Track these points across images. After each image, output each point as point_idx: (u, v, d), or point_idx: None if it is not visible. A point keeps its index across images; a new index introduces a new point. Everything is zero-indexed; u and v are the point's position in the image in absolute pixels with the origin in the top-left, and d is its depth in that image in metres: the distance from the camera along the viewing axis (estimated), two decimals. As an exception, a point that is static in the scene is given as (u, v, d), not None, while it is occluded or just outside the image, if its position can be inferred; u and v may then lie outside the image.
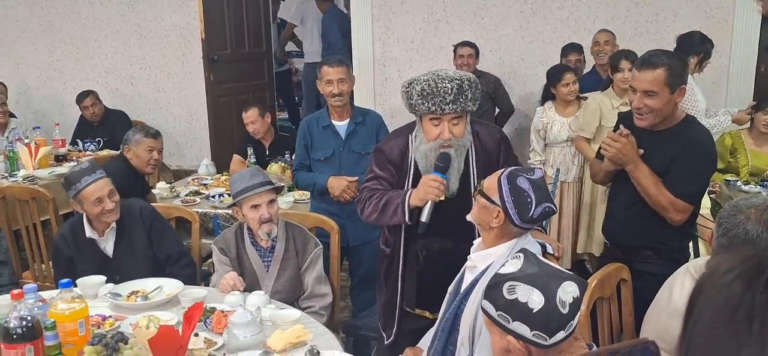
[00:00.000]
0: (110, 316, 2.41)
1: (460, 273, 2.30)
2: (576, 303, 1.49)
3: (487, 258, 2.13)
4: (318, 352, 2.08)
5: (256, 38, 6.63)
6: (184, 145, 6.57)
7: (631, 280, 2.44)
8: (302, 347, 2.18)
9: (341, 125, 3.62)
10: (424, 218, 2.45)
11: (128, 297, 2.59)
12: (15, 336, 1.75)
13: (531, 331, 1.48)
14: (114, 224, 2.92)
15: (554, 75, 4.51)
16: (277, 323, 2.35)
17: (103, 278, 2.70)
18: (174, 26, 6.37)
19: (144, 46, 6.51)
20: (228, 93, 6.41)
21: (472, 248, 2.23)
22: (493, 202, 2.09)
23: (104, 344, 1.73)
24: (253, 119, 4.67)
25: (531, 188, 2.06)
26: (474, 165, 2.57)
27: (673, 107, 2.56)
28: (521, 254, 1.55)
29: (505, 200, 2.06)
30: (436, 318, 2.44)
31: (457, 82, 2.41)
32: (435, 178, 2.43)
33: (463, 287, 2.21)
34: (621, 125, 2.67)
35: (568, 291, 1.48)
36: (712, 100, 4.89)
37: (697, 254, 3.46)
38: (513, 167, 2.14)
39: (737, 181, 4.09)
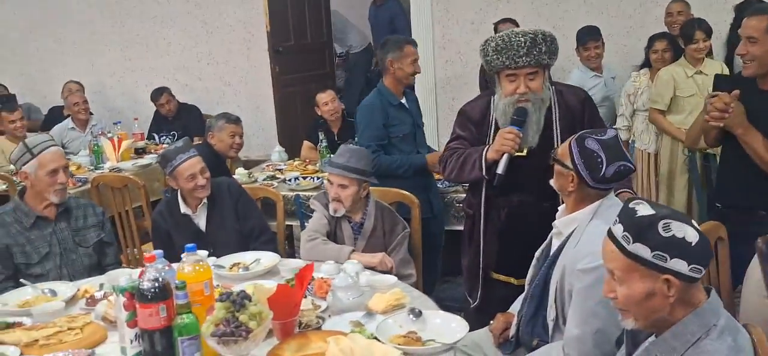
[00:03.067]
0: (218, 285, 2.56)
1: (547, 240, 2.37)
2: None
3: (571, 223, 2.18)
4: (420, 311, 2.18)
5: (317, 28, 6.78)
6: (251, 136, 6.76)
7: (738, 240, 2.42)
8: (401, 309, 2.29)
9: (404, 102, 3.75)
10: (500, 169, 2.54)
11: (231, 268, 2.75)
12: (149, 297, 1.91)
13: (689, 266, 1.49)
14: (205, 201, 3.09)
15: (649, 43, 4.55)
16: (375, 287, 2.46)
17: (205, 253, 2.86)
18: (238, 21, 6.57)
19: (210, 41, 6.74)
20: (293, 83, 6.59)
21: (557, 215, 2.30)
22: (566, 167, 2.14)
23: (232, 300, 1.86)
24: (330, 99, 4.80)
25: (600, 147, 2.09)
26: (557, 123, 2.63)
27: None
28: (642, 200, 1.59)
29: (576, 162, 2.10)
30: (522, 285, 2.52)
31: (530, 36, 2.50)
32: (510, 130, 2.52)
33: (551, 253, 2.28)
34: (722, 94, 2.60)
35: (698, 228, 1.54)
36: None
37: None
38: (584, 131, 2.18)
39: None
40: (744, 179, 2.64)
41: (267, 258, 2.82)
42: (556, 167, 2.19)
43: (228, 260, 2.82)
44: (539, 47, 2.50)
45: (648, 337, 1.70)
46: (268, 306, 1.95)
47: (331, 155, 3.19)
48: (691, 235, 1.50)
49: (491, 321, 2.51)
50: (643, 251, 1.52)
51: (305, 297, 2.24)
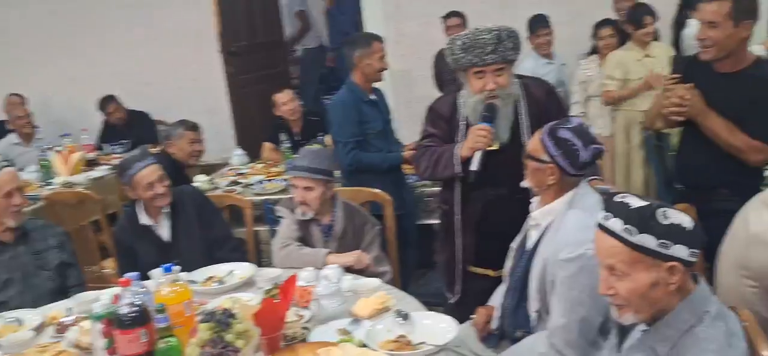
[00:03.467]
0: (194, 302, 2.47)
1: (522, 231, 2.38)
2: None
3: (548, 214, 2.20)
4: (407, 314, 2.15)
5: (268, 27, 6.66)
6: (207, 140, 6.56)
7: (702, 220, 2.48)
8: (387, 312, 2.25)
9: (374, 98, 3.74)
10: (474, 166, 2.57)
11: (204, 282, 2.66)
12: (128, 322, 1.82)
13: (689, 250, 1.52)
14: (168, 210, 3.00)
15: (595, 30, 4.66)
16: (358, 291, 2.42)
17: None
18: (186, 23, 6.39)
19: (158, 45, 6.53)
20: (248, 84, 6.46)
21: (531, 207, 2.31)
22: (543, 161, 2.15)
23: (216, 320, 1.79)
24: (288, 99, 4.73)
25: (573, 135, 2.13)
26: (526, 116, 2.66)
27: (739, 43, 2.55)
28: (625, 192, 1.61)
29: (554, 154, 2.13)
30: (500, 276, 2.53)
31: (495, 33, 2.52)
32: (482, 127, 2.55)
33: (529, 244, 2.29)
34: (679, 86, 2.66)
35: None
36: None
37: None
38: (551, 123, 2.21)
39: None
40: (704, 159, 2.69)
41: (242, 269, 2.75)
42: (532, 164, 2.20)
43: (200, 273, 2.73)
44: (505, 44, 2.53)
45: (635, 325, 1.71)
46: (253, 323, 1.89)
47: (295, 156, 3.12)
48: (686, 221, 1.53)
49: (472, 316, 2.51)
50: (648, 241, 1.53)
51: (288, 308, 2.17)
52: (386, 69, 3.70)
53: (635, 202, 1.56)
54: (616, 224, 1.56)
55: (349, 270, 2.68)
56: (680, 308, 1.56)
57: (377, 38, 3.74)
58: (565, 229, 2.11)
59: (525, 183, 2.28)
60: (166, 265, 2.01)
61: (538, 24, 4.95)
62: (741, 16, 2.49)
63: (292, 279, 2.05)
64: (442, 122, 2.77)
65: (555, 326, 2.09)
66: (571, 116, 2.25)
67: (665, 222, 1.52)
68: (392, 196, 3.57)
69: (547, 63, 4.98)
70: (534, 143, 2.21)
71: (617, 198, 1.59)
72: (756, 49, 4.37)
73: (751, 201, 2.16)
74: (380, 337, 2.05)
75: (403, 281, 3.76)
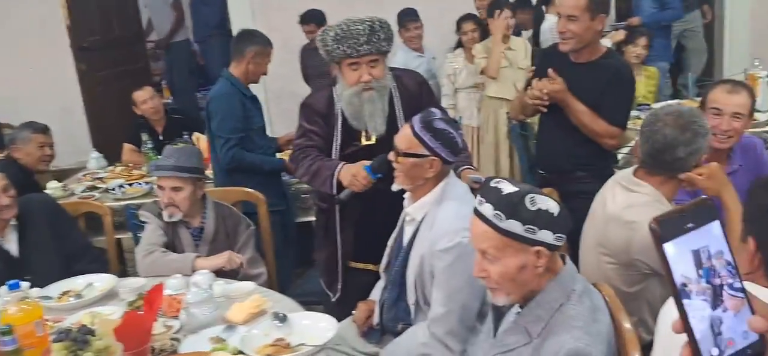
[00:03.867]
0: (47, 320, 2.25)
1: (398, 227, 2.38)
2: None
3: (422, 208, 2.21)
4: (285, 316, 2.08)
5: (125, 20, 6.25)
6: (60, 144, 6.04)
7: (563, 202, 2.62)
8: (263, 316, 2.17)
9: (253, 94, 3.66)
10: (343, 196, 2.52)
11: (60, 297, 2.43)
12: (-34, 350, 1.61)
13: (554, 235, 1.57)
14: (15, 222, 2.72)
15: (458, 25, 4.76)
16: (231, 297, 2.31)
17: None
18: (32, 17, 5.85)
19: (2, 42, 5.94)
20: (104, 82, 6.03)
21: (405, 203, 2.31)
22: (422, 156, 2.15)
23: (72, 338, 1.63)
24: (148, 97, 4.46)
25: (446, 123, 2.17)
26: (400, 108, 2.66)
27: (594, 35, 2.74)
28: (500, 178, 1.64)
29: (433, 146, 2.13)
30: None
31: (368, 24, 2.49)
32: (366, 176, 2.47)
33: (405, 240, 2.29)
34: (549, 69, 2.79)
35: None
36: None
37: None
38: (420, 118, 2.20)
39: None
40: (562, 146, 2.86)
41: (102, 281, 2.53)
42: (409, 161, 2.17)
43: (55, 288, 2.49)
44: (378, 34, 2.50)
45: (510, 308, 1.76)
46: (114, 339, 1.73)
47: (159, 157, 2.93)
48: (553, 206, 1.58)
49: (353, 312, 2.48)
50: (515, 226, 1.56)
51: (155, 320, 2.03)
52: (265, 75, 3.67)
53: (507, 188, 1.59)
54: (487, 209, 1.59)
55: (221, 273, 2.56)
56: (550, 287, 1.62)
57: (269, 44, 3.68)
58: (440, 220, 2.12)
59: (396, 185, 2.25)
60: (11, 282, 1.79)
61: (408, 17, 5.01)
62: (597, 10, 2.68)
63: (157, 288, 1.91)
64: (319, 118, 2.70)
65: (435, 315, 2.11)
66: (431, 109, 2.25)
67: (532, 208, 1.56)
68: (270, 192, 3.49)
69: (418, 56, 5.06)
70: (407, 140, 2.18)
71: (492, 184, 1.61)
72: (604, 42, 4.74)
73: (607, 183, 2.30)
74: (256, 342, 1.96)
75: (284, 281, 3.69)
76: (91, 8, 5.91)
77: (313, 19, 5.15)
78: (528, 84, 3.02)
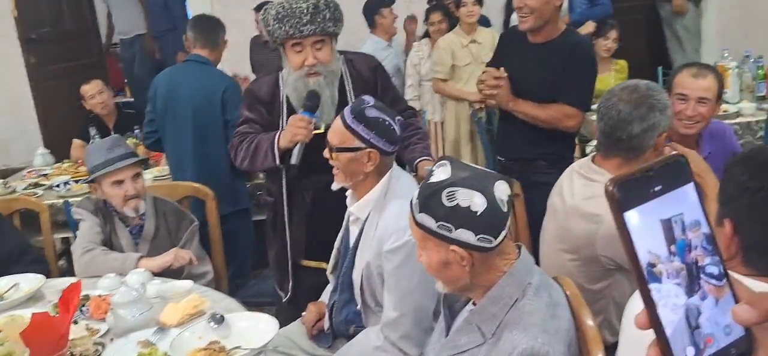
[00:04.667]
0: (-41, 324, 2.04)
1: (343, 228, 2.23)
2: (510, 201, 1.44)
3: (366, 206, 2.06)
4: (222, 317, 1.89)
5: (78, 13, 5.99)
6: (9, 141, 5.85)
7: (525, 192, 2.49)
8: (200, 317, 1.99)
9: None
10: (294, 160, 2.34)
11: (-22, 300, 2.22)
12: None
13: (476, 235, 1.39)
14: None
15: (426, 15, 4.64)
16: (166, 297, 2.12)
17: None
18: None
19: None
20: (54, 76, 5.77)
21: (347, 202, 2.15)
22: (358, 149, 1.98)
23: (-32, 346, 1.44)
24: (97, 90, 4.26)
25: (380, 111, 2.00)
26: (351, 94, 2.49)
27: (553, 12, 2.64)
28: (446, 161, 1.47)
29: (368, 137, 1.97)
30: (331, 269, 2.35)
31: (312, 2, 2.31)
32: (302, 118, 2.32)
33: (352, 240, 2.14)
34: (500, 68, 2.73)
35: (502, 189, 1.42)
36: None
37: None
38: (350, 108, 2.04)
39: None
40: (521, 134, 2.76)
41: (28, 282, 2.33)
42: (344, 156, 2.00)
43: (-26, 290, 2.28)
44: (323, 13, 2.32)
45: (465, 305, 1.62)
46: (22, 343, 1.54)
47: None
48: (477, 203, 1.39)
49: (303, 313, 2.32)
50: (428, 221, 1.43)
51: (76, 322, 1.84)
52: None
53: (437, 175, 1.44)
54: (414, 197, 1.47)
55: (165, 272, 2.38)
56: (504, 282, 1.46)
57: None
58: (385, 219, 1.97)
59: (336, 184, 2.09)
60: None
61: (383, 4, 4.87)
62: None
63: (74, 287, 1.71)
64: (261, 106, 2.52)
65: (388, 320, 1.96)
66: (362, 96, 2.08)
67: (448, 204, 1.40)
68: (238, 189, 3.39)
69: (387, 47, 4.91)
70: (339, 134, 2.00)
71: (433, 168, 1.46)
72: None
73: (565, 172, 2.16)
74: (188, 345, 1.78)
75: (237, 282, 3.51)
76: (40, -1, 5.66)
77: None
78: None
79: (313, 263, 2.60)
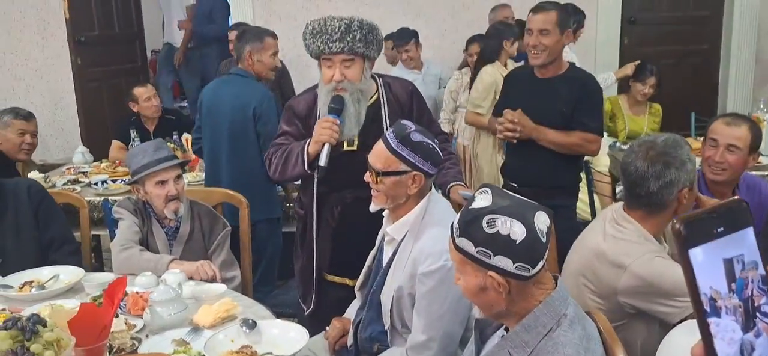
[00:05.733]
0: (3, 309, 2.13)
1: (377, 246, 2.27)
2: (549, 232, 1.47)
3: (402, 227, 2.10)
4: (254, 322, 1.96)
5: (126, 19, 6.17)
6: (49, 136, 6.01)
7: None
8: (232, 321, 2.05)
9: None
10: (321, 161, 2.43)
11: (21, 288, 2.31)
12: None
13: (514, 263, 1.42)
14: None
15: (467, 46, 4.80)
16: (201, 299, 2.19)
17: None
18: (31, 7, 5.79)
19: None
20: (98, 78, 5.94)
21: (384, 222, 2.20)
22: (402, 172, 2.04)
23: (20, 327, 1.51)
24: (151, 95, 4.41)
25: (423, 135, 2.06)
26: (387, 117, 2.56)
27: (561, 50, 2.91)
28: (488, 189, 1.52)
29: (414, 161, 2.02)
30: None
31: (345, 21, 2.42)
32: (327, 119, 2.42)
33: (384, 260, 2.18)
34: (507, 111, 2.93)
35: (542, 220, 1.45)
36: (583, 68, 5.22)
37: (593, 207, 3.68)
38: (393, 132, 2.09)
39: (617, 142, 4.39)
40: (533, 160, 2.96)
41: (68, 273, 2.42)
42: (387, 180, 2.05)
43: (17, 278, 2.37)
44: (354, 34, 2.40)
45: (496, 330, 1.65)
46: (68, 331, 1.62)
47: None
48: (517, 232, 1.43)
49: (327, 328, 2.37)
50: (467, 245, 1.46)
51: (117, 316, 1.91)
52: (278, 67, 3.62)
53: (479, 202, 1.48)
54: (454, 221, 1.51)
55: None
56: (539, 311, 1.49)
57: (270, 34, 3.64)
58: (422, 243, 2.01)
59: (374, 206, 2.13)
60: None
61: (400, 41, 5.12)
62: (564, 25, 2.87)
63: (120, 282, 1.79)
64: (297, 120, 2.62)
65: (416, 342, 2.00)
66: (402, 121, 2.15)
67: (489, 231, 1.43)
68: (271, 198, 3.49)
69: (412, 71, 5.08)
70: (384, 158, 2.05)
71: (476, 193, 1.50)
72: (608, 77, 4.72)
73: (605, 212, 2.19)
74: (222, 347, 1.85)
75: (262, 290, 3.59)
76: (91, 4, 5.84)
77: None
78: (498, 109, 3.13)
79: (337, 279, 2.66)
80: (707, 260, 0.62)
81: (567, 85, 2.90)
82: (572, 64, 3.03)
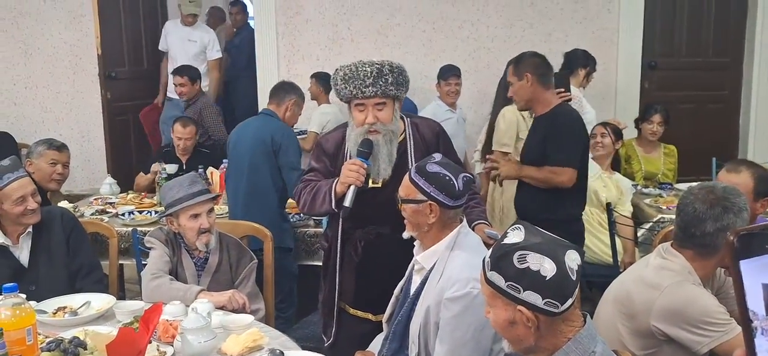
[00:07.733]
0: (39, 333, 2.19)
1: (406, 276, 2.32)
2: (579, 270, 1.51)
3: (432, 256, 2.15)
4: (281, 352, 2.00)
5: (154, 55, 6.35)
6: (76, 168, 6.11)
7: None
8: (258, 351, 2.10)
9: None
10: (347, 202, 2.48)
11: (54, 313, 2.38)
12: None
13: (543, 300, 1.46)
14: (30, 230, 2.68)
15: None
16: (229, 328, 2.24)
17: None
18: (64, 43, 5.97)
19: (30, 64, 6.05)
20: (126, 112, 6.10)
21: (414, 251, 2.25)
22: (419, 201, 2.11)
23: (62, 349, 1.57)
24: (184, 137, 4.58)
25: (442, 168, 2.12)
26: (412, 156, 2.62)
27: (532, 94, 3.14)
28: (521, 226, 1.57)
29: (429, 191, 2.09)
30: (380, 321, 2.44)
31: (377, 66, 2.50)
32: (354, 162, 2.48)
33: (413, 289, 2.23)
34: (487, 156, 3.49)
35: (572, 259, 1.49)
36: (603, 114, 5.25)
37: (614, 250, 3.70)
38: (417, 164, 2.19)
39: (637, 185, 4.42)
40: (530, 196, 3.20)
41: (99, 300, 2.48)
42: (409, 208, 2.14)
43: (51, 303, 2.44)
44: (386, 78, 2.49)
45: None
46: (107, 354, 1.67)
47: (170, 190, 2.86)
48: (547, 269, 1.47)
49: (350, 361, 2.40)
50: (498, 279, 1.51)
51: (149, 342, 1.96)
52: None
53: (511, 238, 1.53)
54: (486, 254, 1.56)
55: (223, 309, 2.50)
56: (567, 349, 1.52)
57: (304, 98, 4.13)
58: (450, 269, 2.06)
59: (406, 234, 2.21)
60: (7, 285, 1.75)
61: (450, 72, 5.18)
62: (522, 72, 3.13)
63: (156, 308, 1.85)
64: (326, 158, 2.70)
65: None
66: (433, 154, 2.24)
67: (519, 266, 1.48)
68: (283, 230, 3.61)
69: (449, 111, 5.12)
70: (405, 187, 2.16)
71: (508, 229, 1.56)
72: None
73: (657, 248, 2.25)
74: (250, 376, 1.89)
75: (282, 318, 3.64)
76: (122, 41, 6.03)
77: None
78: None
79: (359, 313, 2.71)
80: (749, 282, 0.67)
81: (544, 122, 3.16)
82: (557, 106, 3.19)
